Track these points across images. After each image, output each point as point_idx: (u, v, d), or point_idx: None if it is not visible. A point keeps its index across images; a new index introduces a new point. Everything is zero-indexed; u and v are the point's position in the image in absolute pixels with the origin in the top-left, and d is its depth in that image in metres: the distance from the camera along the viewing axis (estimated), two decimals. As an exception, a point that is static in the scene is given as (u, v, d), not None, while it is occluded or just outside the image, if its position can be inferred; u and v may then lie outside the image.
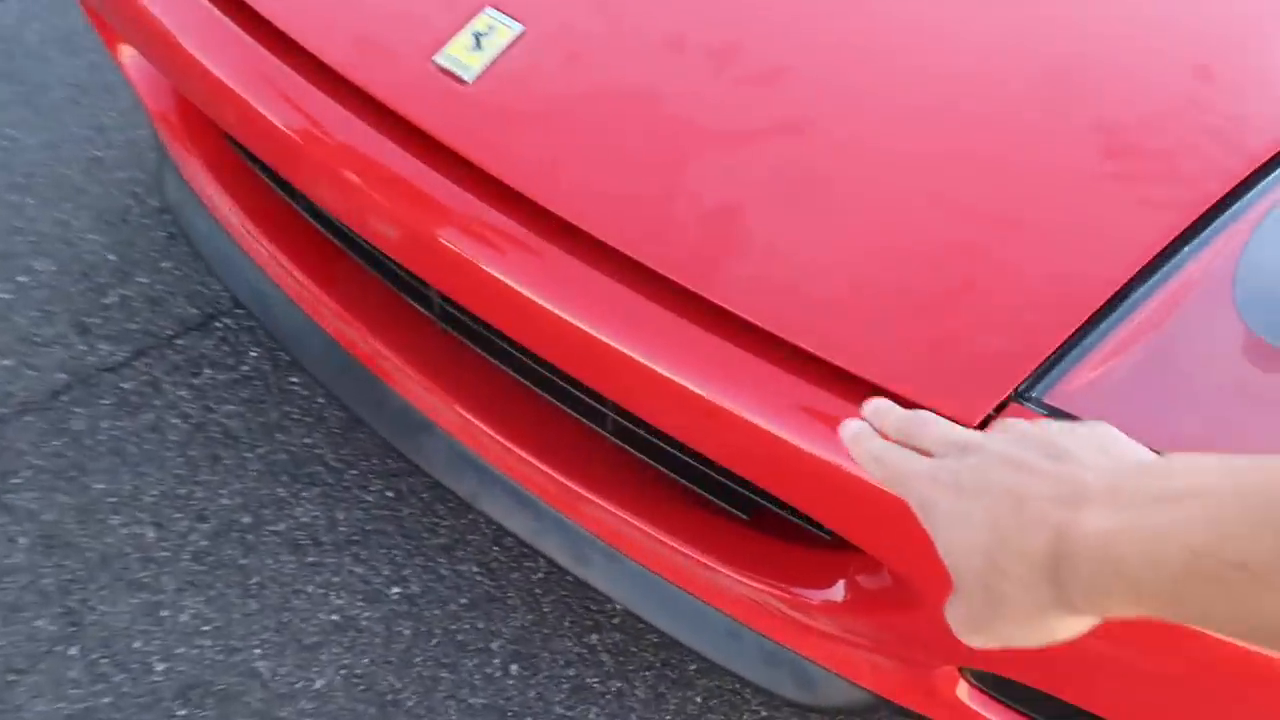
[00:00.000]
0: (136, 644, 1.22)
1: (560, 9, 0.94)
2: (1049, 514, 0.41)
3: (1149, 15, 0.91)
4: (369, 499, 1.37)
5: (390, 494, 1.38)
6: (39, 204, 1.63)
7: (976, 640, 0.46)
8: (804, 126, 0.85)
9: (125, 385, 1.45)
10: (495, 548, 1.34)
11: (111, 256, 1.58)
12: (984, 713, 0.93)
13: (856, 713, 1.01)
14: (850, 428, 0.55)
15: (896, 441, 0.53)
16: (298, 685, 1.21)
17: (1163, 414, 0.74)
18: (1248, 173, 0.81)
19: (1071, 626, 0.42)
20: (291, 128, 0.97)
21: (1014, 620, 0.43)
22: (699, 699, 1.25)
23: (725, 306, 0.81)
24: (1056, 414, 0.73)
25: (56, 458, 1.37)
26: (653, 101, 0.89)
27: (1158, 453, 0.44)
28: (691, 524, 1.00)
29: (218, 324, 1.54)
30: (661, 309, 0.83)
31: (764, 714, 1.25)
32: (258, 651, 1.23)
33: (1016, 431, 0.47)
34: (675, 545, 0.99)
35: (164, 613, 1.25)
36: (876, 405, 0.56)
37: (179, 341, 1.51)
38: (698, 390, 0.80)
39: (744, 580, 0.96)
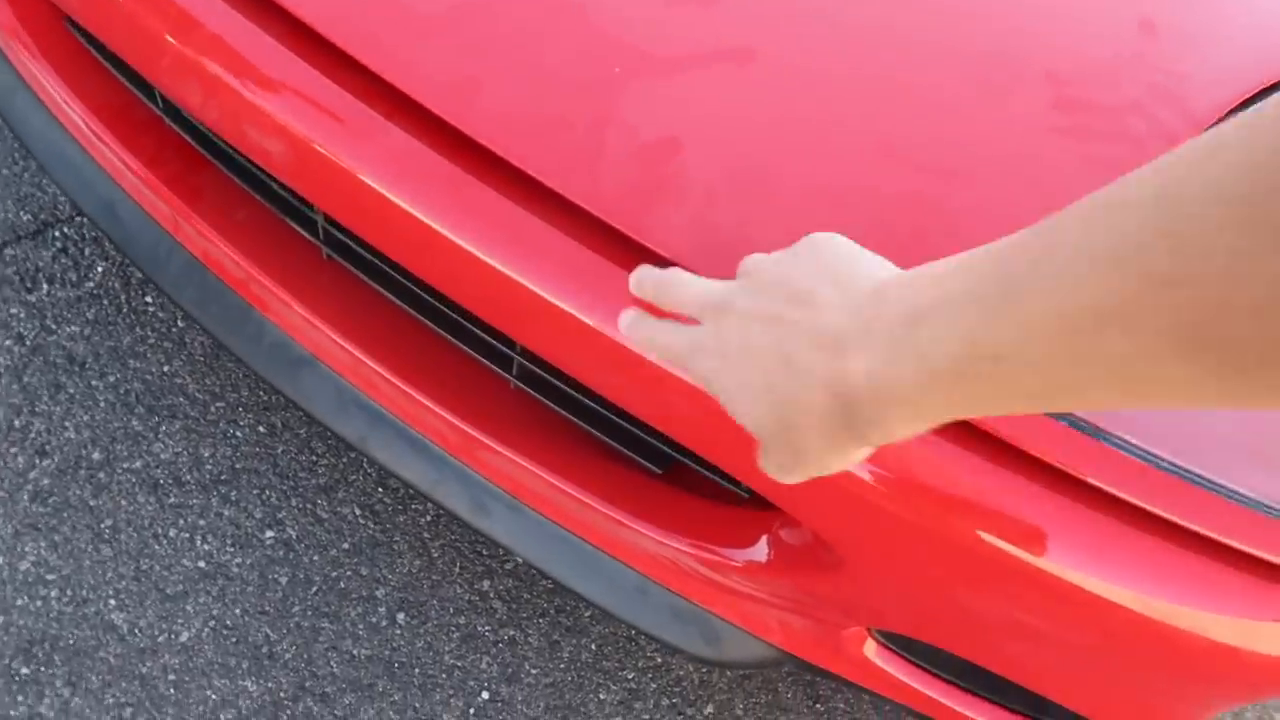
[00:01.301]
0: (-33, 596, 1.09)
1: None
2: (816, 368, 0.42)
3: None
4: (238, 434, 1.26)
5: (262, 428, 1.27)
6: None
7: (790, 479, 0.49)
8: (747, 58, 0.78)
9: (-56, 300, 1.26)
10: (380, 489, 1.26)
11: (-78, 148, 1.37)
12: (890, 670, 0.93)
13: (762, 667, 0.99)
14: (626, 316, 0.56)
15: (666, 314, 0.55)
16: (160, 638, 1.10)
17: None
18: (1190, 134, 0.79)
19: (868, 450, 0.45)
20: (151, 11, 0.82)
21: (818, 459, 0.46)
22: (593, 646, 1.22)
23: (653, 248, 0.74)
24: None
25: None
26: (581, 12, 0.79)
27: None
28: (602, 476, 0.95)
29: (56, 233, 1.36)
30: (579, 245, 0.75)
31: (659, 660, 1.23)
32: (113, 602, 1.11)
33: (756, 279, 0.47)
34: (585, 498, 0.93)
35: (-1, 560, 1.12)
36: (639, 275, 0.57)
37: (9, 251, 1.32)
38: (613, 335, 0.74)
39: (657, 536, 0.92)
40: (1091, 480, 0.73)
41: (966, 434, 0.74)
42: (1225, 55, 0.83)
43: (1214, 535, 0.73)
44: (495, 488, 1.00)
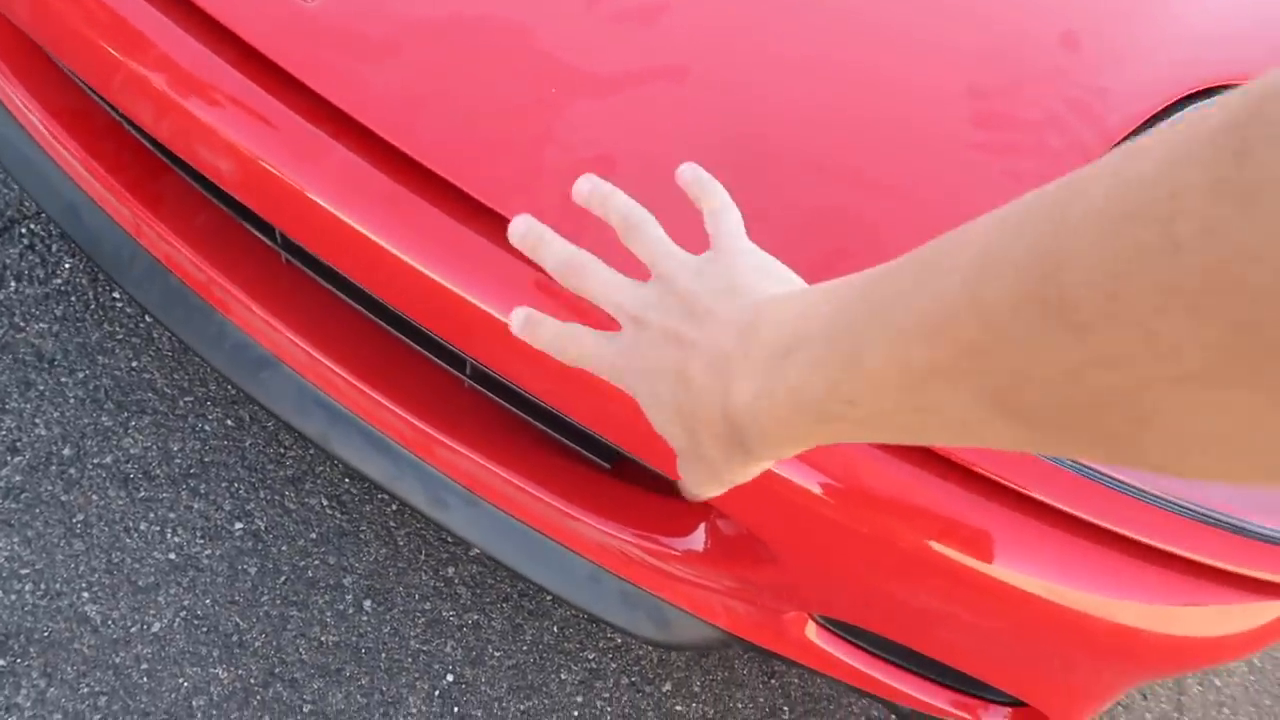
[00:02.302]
0: (-57, 591, 1.13)
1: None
2: (710, 390, 0.44)
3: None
4: (207, 428, 1.29)
5: (230, 422, 1.30)
6: None
7: (705, 493, 0.50)
8: (679, 76, 0.81)
9: (-88, 300, 1.28)
10: (346, 479, 1.30)
11: (-114, 147, 1.38)
12: (831, 650, 0.98)
13: (710, 648, 1.04)
14: (518, 316, 0.52)
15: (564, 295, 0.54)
16: (133, 629, 1.14)
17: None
18: (1104, 150, 0.83)
19: (766, 462, 0.47)
20: (100, 32, 0.84)
21: (728, 472, 0.47)
22: (555, 629, 1.27)
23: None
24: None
25: None
26: (519, 34, 0.82)
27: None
28: (553, 471, 0.99)
29: (22, 229, 1.37)
30: (518, 261, 0.79)
31: (618, 642, 1.28)
32: (86, 595, 1.15)
33: (668, 287, 0.48)
34: (537, 493, 0.97)
35: (-26, 555, 1.15)
36: (524, 226, 0.52)
37: (-24, 250, 1.34)
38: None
39: (605, 528, 0.96)
40: (1006, 482, 0.77)
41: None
42: (1144, 70, 0.87)
43: (1119, 529, 0.77)
44: (452, 482, 1.04)
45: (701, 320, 0.46)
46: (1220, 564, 0.81)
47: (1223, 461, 0.25)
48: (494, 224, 0.78)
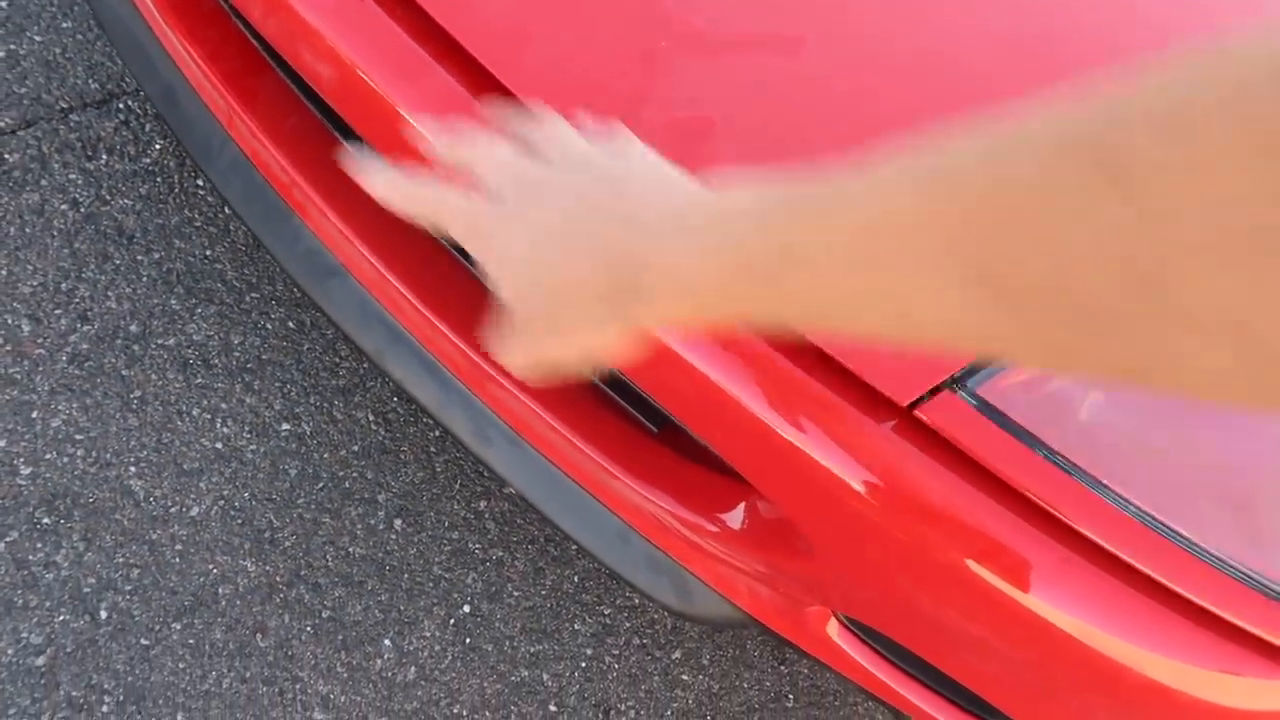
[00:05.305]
0: (1, 443, 1.16)
1: None
2: (618, 246, 0.40)
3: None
4: (269, 326, 1.31)
5: (292, 324, 1.32)
6: (-81, -77, 1.42)
7: (515, 361, 0.45)
8: (795, 47, 0.78)
9: (8, 157, 1.31)
10: (395, 399, 1.31)
11: (1, 3, 1.40)
12: (849, 651, 0.97)
13: (728, 627, 1.04)
14: (383, 177, 0.46)
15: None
16: (172, 509, 1.17)
17: (1092, 425, 0.74)
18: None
19: (608, 344, 0.42)
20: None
21: (559, 339, 0.43)
22: (576, 579, 1.27)
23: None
24: (987, 409, 0.72)
25: (-77, 227, 1.25)
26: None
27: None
28: (600, 426, 0.98)
29: (120, 105, 1.39)
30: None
31: (635, 602, 1.28)
32: (133, 469, 1.18)
33: (572, 161, 0.44)
34: (580, 444, 0.97)
35: (34, 414, 1.18)
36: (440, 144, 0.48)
37: (74, 117, 1.37)
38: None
39: (642, 490, 0.96)
40: (1067, 520, 0.75)
41: (954, 459, 0.76)
42: None
43: (1167, 581, 0.75)
44: (498, 419, 1.04)
45: (621, 195, 0.41)
46: (1269, 636, 0.78)
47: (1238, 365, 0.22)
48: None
